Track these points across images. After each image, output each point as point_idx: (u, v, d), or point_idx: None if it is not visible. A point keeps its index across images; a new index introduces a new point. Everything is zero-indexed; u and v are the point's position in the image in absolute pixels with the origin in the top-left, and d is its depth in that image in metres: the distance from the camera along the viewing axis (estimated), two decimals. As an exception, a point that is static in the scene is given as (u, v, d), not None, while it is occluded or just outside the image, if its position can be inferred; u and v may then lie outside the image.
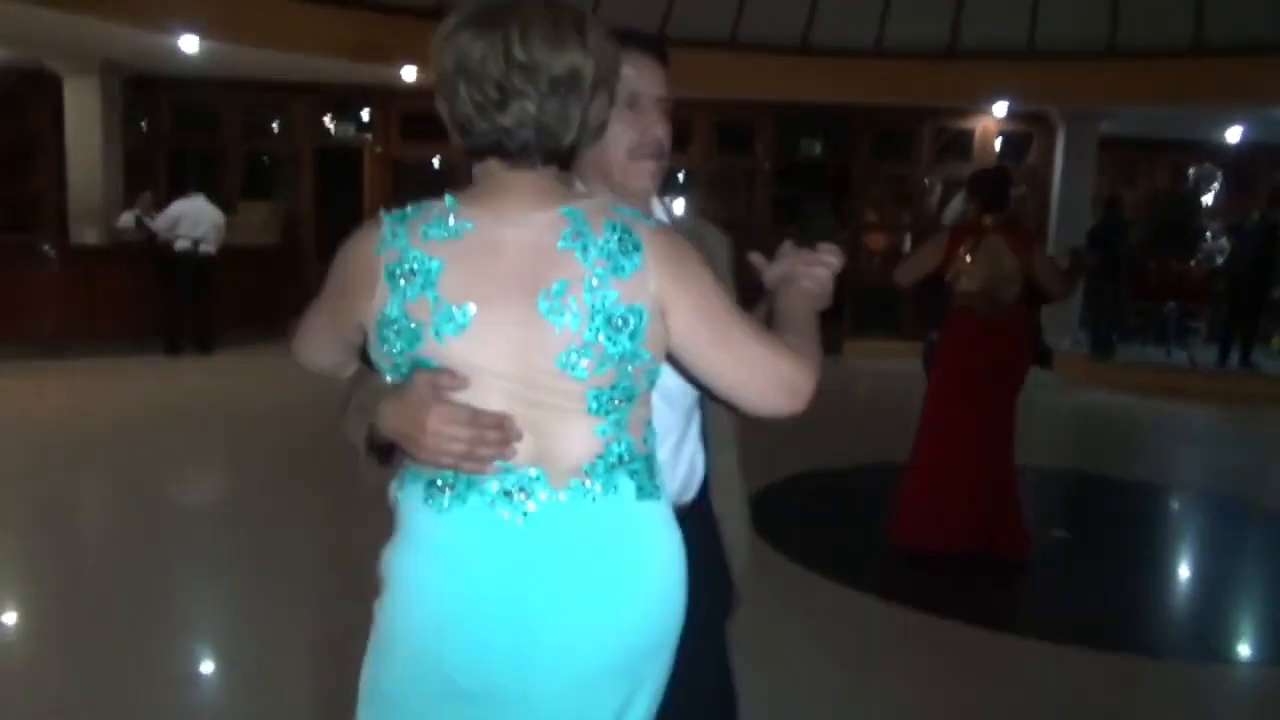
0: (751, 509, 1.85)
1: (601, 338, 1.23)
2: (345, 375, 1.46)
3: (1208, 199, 12.53)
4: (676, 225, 1.68)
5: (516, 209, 1.27)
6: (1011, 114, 11.54)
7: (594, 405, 1.26)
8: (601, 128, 1.33)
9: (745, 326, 1.31)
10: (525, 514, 1.25)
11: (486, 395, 1.25)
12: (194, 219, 9.24)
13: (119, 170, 10.36)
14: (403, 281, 1.24)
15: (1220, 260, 11.39)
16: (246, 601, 3.83)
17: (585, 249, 1.24)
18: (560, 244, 1.24)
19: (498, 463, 1.25)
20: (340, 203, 11.81)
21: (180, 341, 9.42)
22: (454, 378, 1.24)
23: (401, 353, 1.26)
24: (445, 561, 1.27)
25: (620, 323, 1.24)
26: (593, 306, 1.23)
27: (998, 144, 11.88)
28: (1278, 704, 3.40)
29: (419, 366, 1.25)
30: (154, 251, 9.36)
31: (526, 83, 1.23)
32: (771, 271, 1.56)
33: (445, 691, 1.28)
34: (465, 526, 1.26)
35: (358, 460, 1.37)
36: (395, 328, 1.24)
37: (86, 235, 9.92)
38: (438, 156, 12.12)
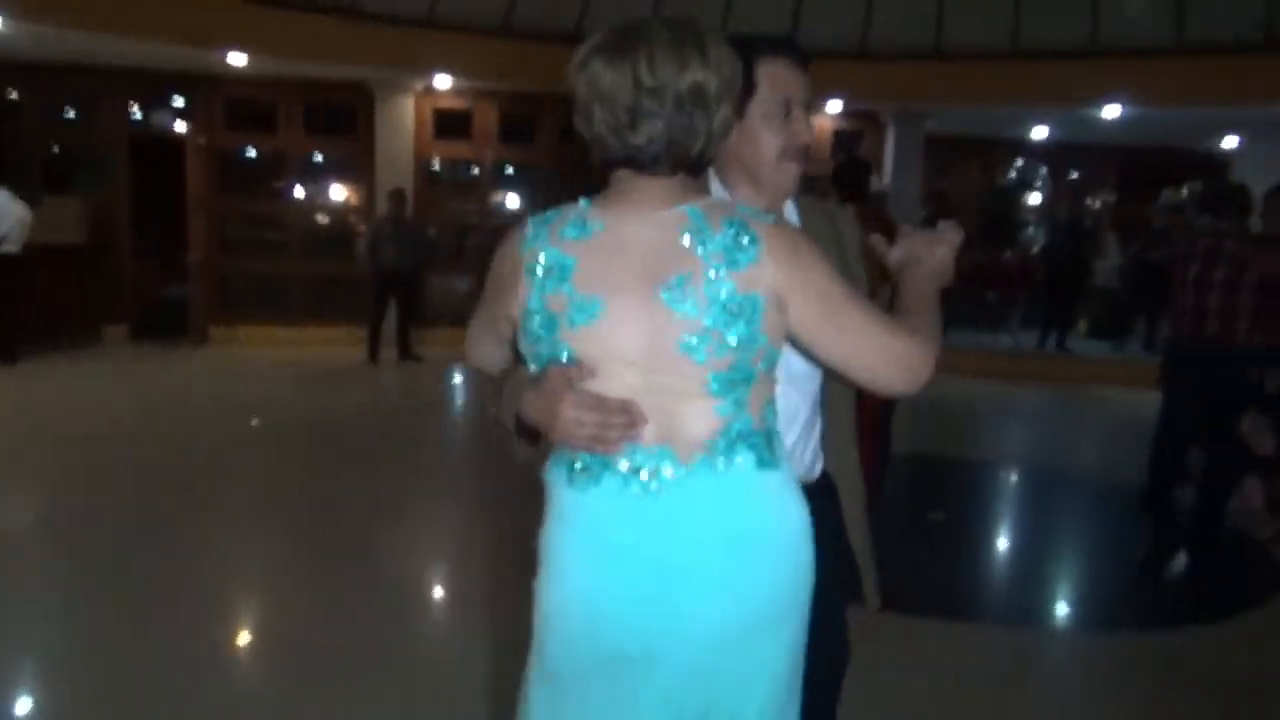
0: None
1: (719, 325, 1.35)
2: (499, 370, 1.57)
3: (1034, 194, 13.35)
4: (809, 212, 1.83)
5: (645, 209, 1.41)
6: (845, 112, 11.93)
7: (714, 387, 1.38)
8: (727, 133, 1.45)
9: (862, 311, 1.41)
10: (655, 489, 1.38)
11: (615, 381, 1.38)
12: (-6, 215, 8.40)
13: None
14: (542, 276, 1.40)
15: (1035, 250, 12.20)
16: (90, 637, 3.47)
17: (704, 244, 1.37)
18: (682, 239, 1.38)
19: (626, 444, 1.37)
20: (159, 197, 11.01)
21: (-20, 351, 8.55)
22: (583, 369, 1.38)
23: (542, 342, 1.40)
24: (590, 537, 1.41)
25: (736, 310, 1.36)
26: (711, 296, 1.35)
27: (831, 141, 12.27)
28: (1103, 664, 3.61)
29: (555, 357, 1.39)
30: (-54, 252, 8.45)
31: (655, 103, 1.36)
32: (893, 254, 1.66)
33: (603, 658, 1.39)
34: (603, 504, 1.40)
35: (509, 441, 1.49)
36: (537, 319, 1.40)
37: None
38: (260, 146, 11.47)
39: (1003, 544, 5.35)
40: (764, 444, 1.43)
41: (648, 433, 1.38)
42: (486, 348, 1.57)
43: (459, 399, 8.96)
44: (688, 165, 1.42)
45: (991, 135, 13.03)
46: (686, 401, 1.39)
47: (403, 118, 11.08)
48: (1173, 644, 3.86)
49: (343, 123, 11.25)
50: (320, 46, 9.69)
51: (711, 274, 1.36)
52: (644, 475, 1.38)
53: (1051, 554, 5.10)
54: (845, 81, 11.12)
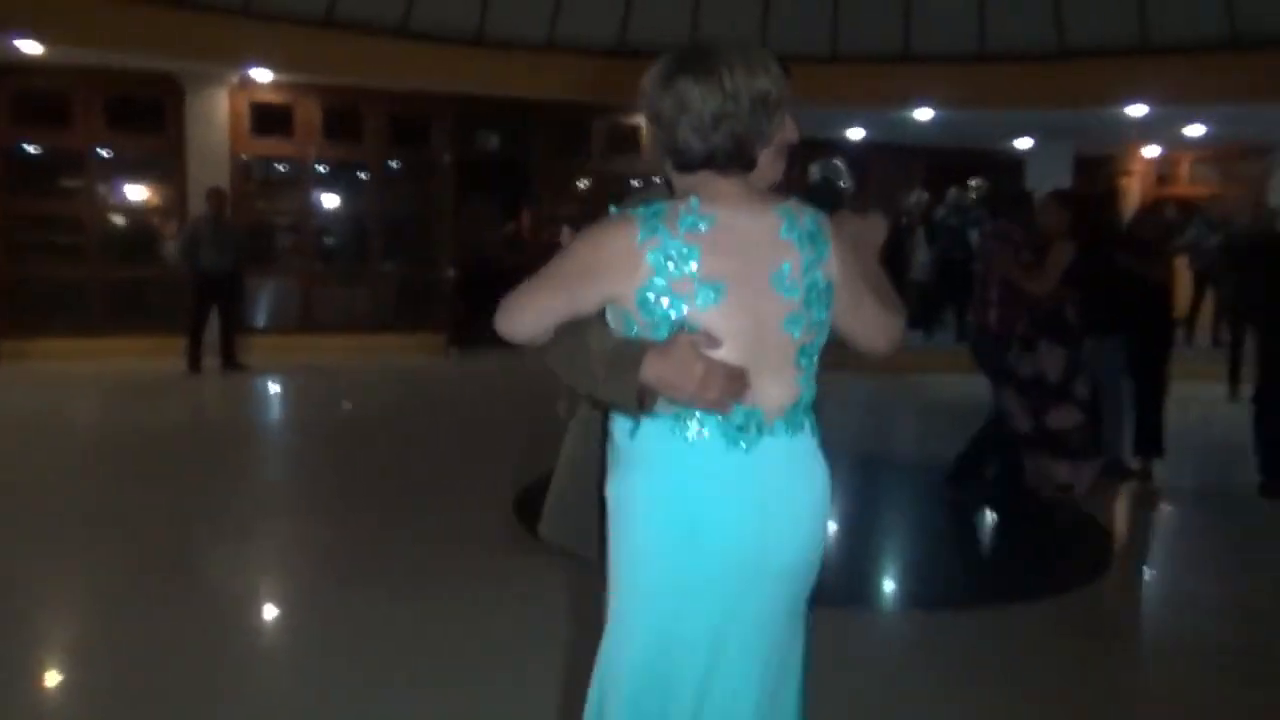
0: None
1: (810, 306, 1.66)
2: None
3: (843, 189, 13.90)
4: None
5: (743, 207, 1.66)
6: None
7: (800, 360, 1.69)
8: (773, 138, 1.71)
9: (870, 291, 1.77)
10: (746, 445, 1.64)
11: (728, 352, 1.61)
12: None
13: None
14: (668, 264, 1.60)
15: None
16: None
17: (799, 238, 1.66)
18: (783, 234, 1.66)
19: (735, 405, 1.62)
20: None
21: None
22: (710, 338, 1.60)
23: (666, 319, 1.61)
24: (698, 476, 1.64)
25: (822, 294, 1.68)
26: (807, 282, 1.66)
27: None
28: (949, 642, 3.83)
29: (680, 328, 1.60)
30: None
31: (734, 106, 1.61)
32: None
33: (712, 577, 1.64)
34: (711, 454, 1.64)
35: (621, 395, 1.64)
36: (663, 299, 1.61)
37: None
38: (55, 142, 10.52)
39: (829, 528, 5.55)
40: (816, 413, 1.75)
41: (746, 395, 1.63)
42: (545, 320, 1.71)
43: (289, 408, 8.52)
44: (749, 165, 1.68)
45: (809, 136, 13.56)
46: (777, 372, 1.66)
47: (216, 112, 10.42)
48: (995, 621, 4.01)
49: (149, 117, 10.46)
50: (123, 34, 8.99)
51: (805, 263, 1.66)
52: (742, 432, 1.64)
53: (872, 536, 5.28)
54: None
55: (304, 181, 11.26)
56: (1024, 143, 12.92)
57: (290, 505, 5.37)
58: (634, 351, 1.63)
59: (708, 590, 1.65)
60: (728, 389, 1.59)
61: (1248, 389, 8.70)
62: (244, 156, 10.80)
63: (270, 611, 4.02)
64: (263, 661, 3.47)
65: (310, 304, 11.19)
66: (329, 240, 11.78)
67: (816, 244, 1.67)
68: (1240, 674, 3.50)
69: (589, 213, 12.37)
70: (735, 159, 1.65)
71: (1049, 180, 10.49)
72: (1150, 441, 6.09)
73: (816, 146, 14.47)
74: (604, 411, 1.81)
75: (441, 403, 8.74)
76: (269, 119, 10.79)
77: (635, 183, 12.71)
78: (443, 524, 4.95)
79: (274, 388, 9.21)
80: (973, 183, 11.44)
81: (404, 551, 4.53)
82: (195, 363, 9.14)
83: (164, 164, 10.65)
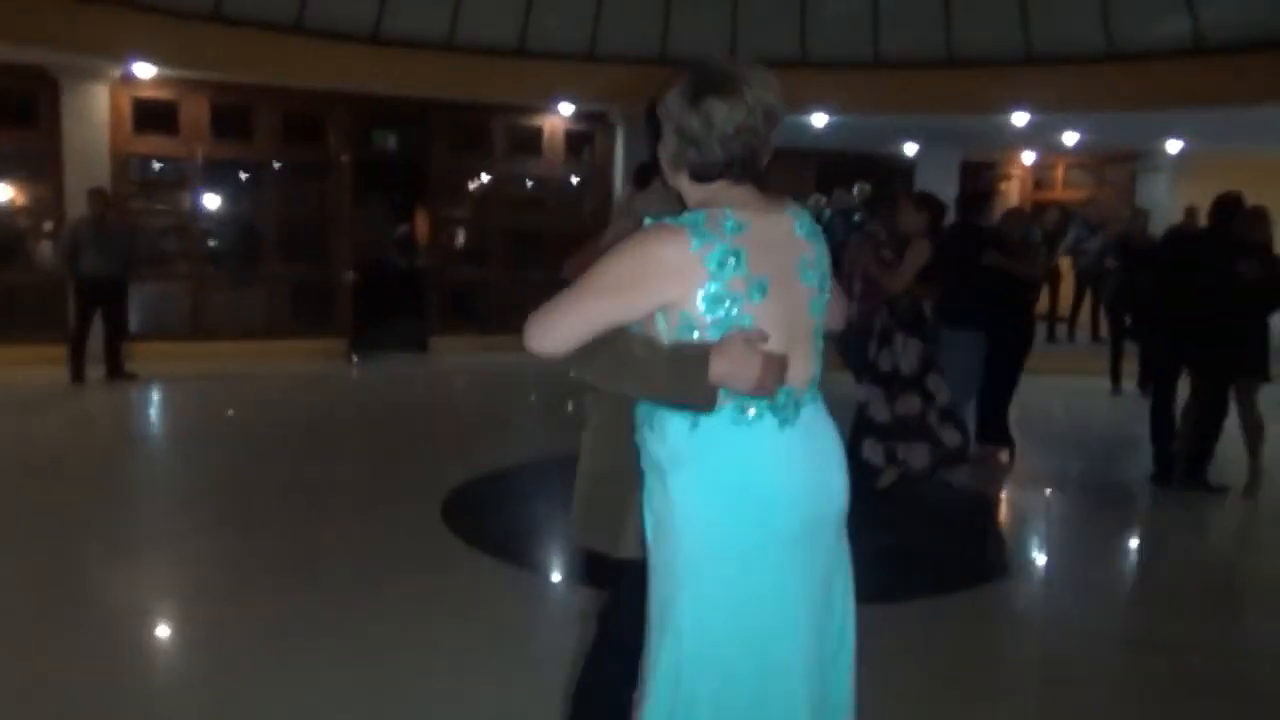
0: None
1: (824, 290, 1.94)
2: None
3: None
4: None
5: (762, 210, 1.87)
6: (576, 114, 12.11)
7: (817, 340, 1.94)
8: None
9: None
10: (793, 418, 1.87)
11: (773, 342, 1.81)
12: None
13: None
14: (724, 267, 1.78)
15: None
16: None
17: (809, 234, 1.93)
18: (797, 231, 1.91)
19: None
20: None
21: None
22: (761, 332, 1.80)
23: (726, 317, 1.79)
24: (763, 454, 1.84)
25: (826, 279, 1.95)
26: (820, 271, 1.93)
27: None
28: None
29: (740, 326, 1.79)
30: None
31: (756, 119, 1.81)
32: None
33: (788, 535, 1.85)
34: (769, 432, 1.85)
35: (695, 394, 1.79)
36: (719, 299, 1.78)
37: None
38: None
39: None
40: (820, 385, 1.99)
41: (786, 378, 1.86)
42: (587, 331, 1.83)
43: (183, 418, 8.14)
44: (759, 173, 1.88)
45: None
46: (804, 352, 1.90)
47: (95, 109, 9.89)
48: (899, 616, 4.16)
49: (20, 113, 9.85)
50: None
51: (817, 254, 1.93)
52: (785, 409, 1.85)
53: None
54: (576, 83, 11.32)
55: (191, 181, 10.77)
56: (912, 147, 13.35)
57: (196, 520, 5.11)
58: (694, 353, 1.79)
59: (793, 548, 1.86)
60: (780, 376, 1.81)
61: (1129, 384, 9.25)
62: (125, 155, 10.27)
63: (177, 631, 3.82)
64: (173, 683, 3.30)
65: (200, 309, 10.73)
66: (219, 242, 11.31)
67: (819, 238, 1.95)
68: (1135, 653, 3.69)
69: (488, 215, 12.25)
70: (749, 168, 1.86)
71: (936, 183, 10.90)
72: (995, 431, 6.41)
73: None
74: (623, 419, 2.02)
75: (346, 409, 8.51)
76: (153, 116, 10.30)
77: (528, 183, 12.65)
78: (367, 532, 4.81)
79: (164, 397, 8.79)
80: (856, 186, 11.78)
81: (333, 562, 4.39)
82: (78, 373, 8.65)
83: (36, 163, 10.04)
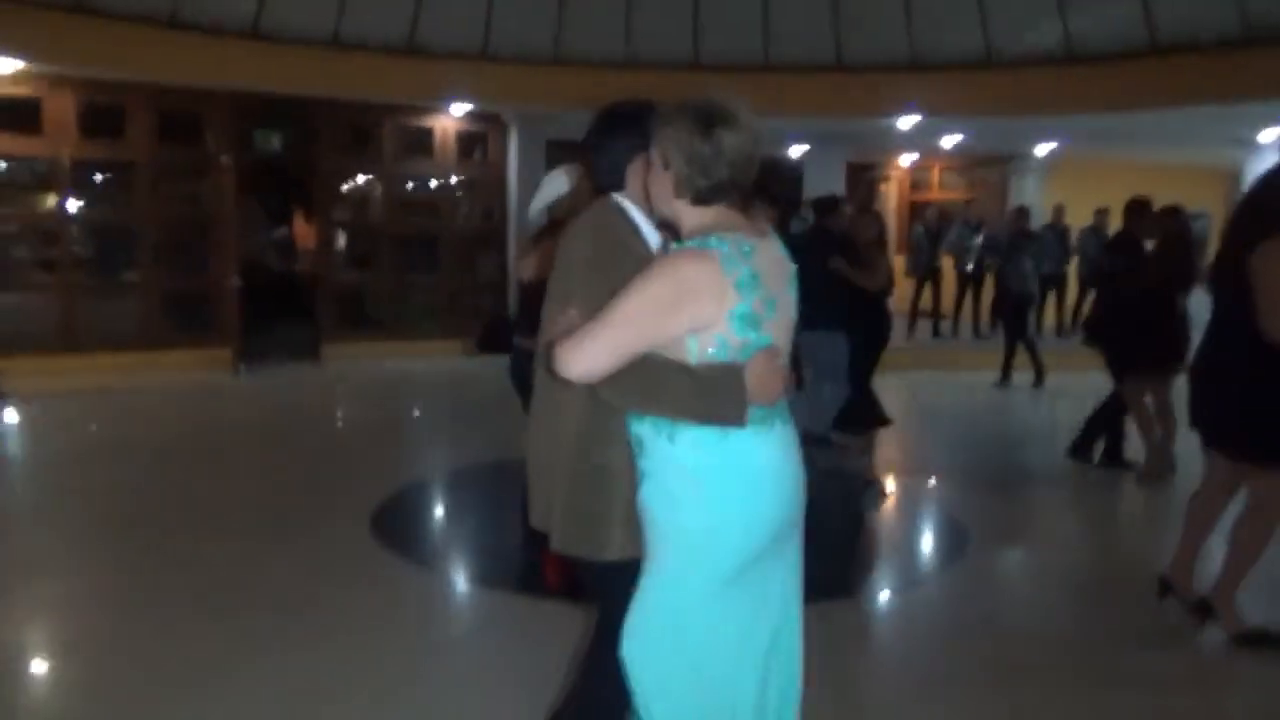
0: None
1: (797, 305, 2.14)
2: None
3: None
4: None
5: (755, 233, 2.04)
6: (469, 114, 11.89)
7: (790, 352, 2.12)
8: None
9: None
10: (784, 423, 2.07)
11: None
12: None
13: None
14: (748, 289, 1.95)
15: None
16: None
17: (787, 255, 2.13)
18: (780, 251, 2.11)
19: None
20: None
21: None
22: (778, 350, 2.02)
23: (753, 335, 1.97)
24: (775, 459, 2.04)
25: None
26: (795, 287, 2.13)
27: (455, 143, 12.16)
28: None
29: (762, 344, 1.98)
30: None
31: (753, 147, 2.01)
32: None
33: (778, 533, 2.05)
34: (777, 440, 2.05)
35: (731, 412, 1.96)
36: (747, 320, 1.96)
37: None
38: None
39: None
40: None
41: None
42: (624, 355, 1.93)
43: (54, 440, 7.58)
44: (744, 197, 2.09)
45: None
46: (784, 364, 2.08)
47: (-55, 105, 9.15)
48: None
49: None
50: None
51: (793, 273, 2.13)
52: (779, 420, 2.06)
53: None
54: (468, 83, 11.10)
55: (57, 184, 10.06)
56: (800, 149, 13.63)
57: (78, 553, 4.77)
58: (727, 374, 1.96)
59: (776, 546, 2.06)
60: (787, 387, 2.05)
61: (1021, 376, 9.68)
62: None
63: (54, 683, 3.53)
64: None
65: (70, 320, 10.05)
66: (89, 249, 10.63)
67: (788, 259, 2.12)
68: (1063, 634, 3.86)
69: (378, 218, 11.90)
70: (740, 192, 2.05)
71: (823, 185, 11.17)
72: (869, 416, 6.68)
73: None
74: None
75: (239, 424, 8.10)
76: (13, 114, 9.59)
77: (420, 185, 12.35)
78: (295, 547, 4.59)
79: (35, 417, 8.20)
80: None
81: (239, 593, 4.16)
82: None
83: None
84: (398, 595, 4.14)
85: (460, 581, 4.50)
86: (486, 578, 4.48)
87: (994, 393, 9.68)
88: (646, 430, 2.02)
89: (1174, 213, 6.21)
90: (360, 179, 12.23)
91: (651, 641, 2.02)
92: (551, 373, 1.98)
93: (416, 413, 8.95)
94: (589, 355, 1.91)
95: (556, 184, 4.22)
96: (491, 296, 12.40)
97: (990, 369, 9.94)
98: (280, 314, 11.17)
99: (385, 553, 4.61)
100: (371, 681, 3.28)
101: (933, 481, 6.48)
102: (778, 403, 2.03)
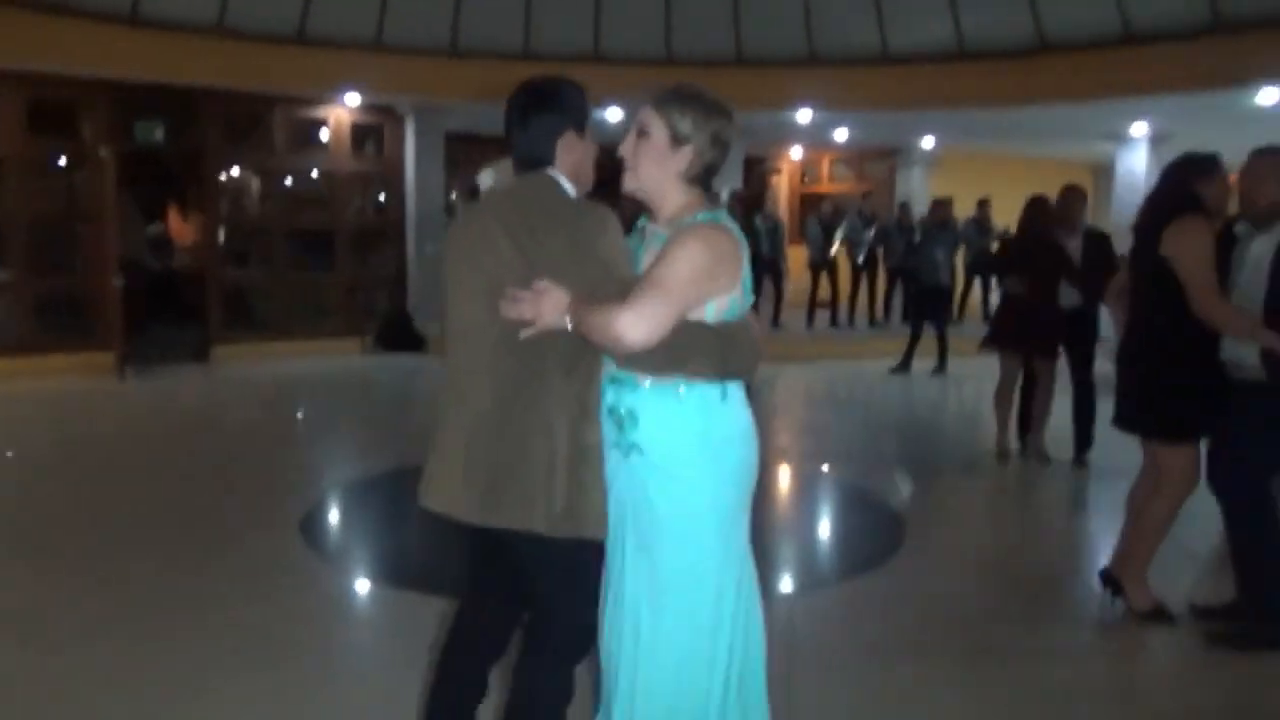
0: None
1: None
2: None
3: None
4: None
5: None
6: (363, 105, 11.55)
7: None
8: None
9: None
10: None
11: None
12: None
13: None
14: (746, 259, 2.14)
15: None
16: None
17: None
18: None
19: None
20: None
21: None
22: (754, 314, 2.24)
23: (741, 304, 2.14)
24: (745, 424, 2.19)
25: None
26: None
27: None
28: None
29: (744, 308, 2.16)
30: None
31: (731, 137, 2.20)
32: None
33: (752, 489, 2.20)
34: (741, 406, 2.19)
35: (745, 365, 2.17)
36: (747, 286, 2.15)
37: None
38: None
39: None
40: None
41: None
42: (672, 319, 2.01)
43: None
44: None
45: (494, 134, 13.50)
46: None
47: None
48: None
49: None
50: None
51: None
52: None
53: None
54: (362, 74, 10.78)
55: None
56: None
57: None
58: (741, 329, 2.15)
59: (746, 503, 2.21)
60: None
61: (924, 363, 9.98)
62: None
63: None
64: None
65: (-69, 326, 9.34)
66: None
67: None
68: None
69: (268, 212, 11.43)
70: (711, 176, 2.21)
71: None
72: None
73: (500, 144, 14.41)
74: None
75: (129, 430, 7.65)
76: None
77: (312, 178, 11.92)
78: (225, 563, 4.35)
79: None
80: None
81: (188, 597, 3.93)
82: None
83: None
84: (341, 609, 3.98)
85: (402, 590, 4.33)
86: (436, 586, 4.33)
87: (898, 380, 9.96)
88: (644, 399, 2.08)
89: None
90: (249, 172, 11.72)
91: (681, 625, 2.09)
92: (593, 341, 2.03)
93: (320, 415, 8.63)
94: (652, 321, 1.97)
95: (484, 181, 4.12)
96: (389, 293, 12.09)
97: (889, 357, 10.23)
98: (165, 315, 10.62)
99: (323, 565, 4.43)
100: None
101: (858, 469, 6.62)
102: None
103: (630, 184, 2.15)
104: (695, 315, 2.06)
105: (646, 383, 2.07)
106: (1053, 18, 10.15)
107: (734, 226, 2.12)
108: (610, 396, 2.12)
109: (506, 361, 2.12)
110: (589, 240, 2.08)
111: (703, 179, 2.15)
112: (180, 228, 12.48)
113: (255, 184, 11.73)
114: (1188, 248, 3.49)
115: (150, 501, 5.47)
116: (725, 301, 2.10)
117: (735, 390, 2.16)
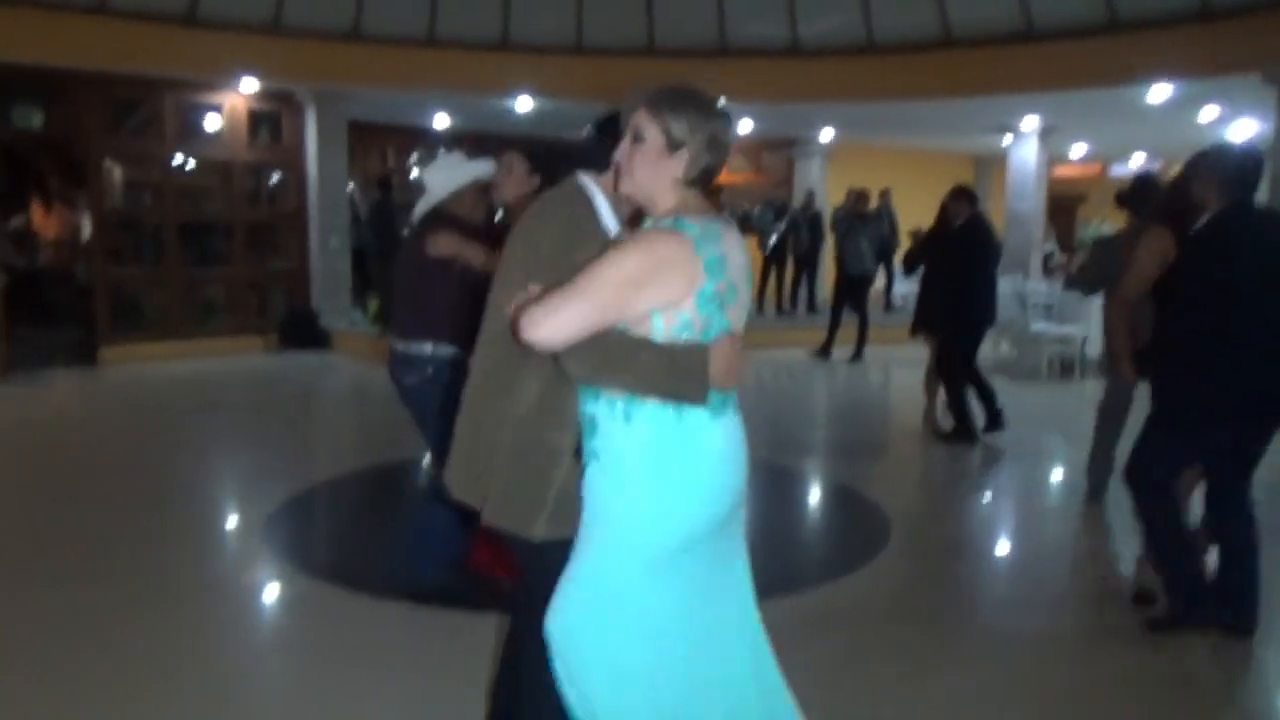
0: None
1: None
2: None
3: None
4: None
5: (717, 219, 2.05)
6: (261, 92, 10.98)
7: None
8: None
9: None
10: (733, 416, 2.09)
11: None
12: None
13: None
14: (714, 272, 1.96)
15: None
16: None
17: (742, 244, 2.09)
18: (741, 241, 2.09)
19: None
20: None
21: None
22: (738, 335, 2.03)
23: (714, 318, 1.98)
24: (731, 443, 2.07)
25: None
26: (749, 278, 2.12)
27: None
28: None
29: (722, 328, 1.99)
30: None
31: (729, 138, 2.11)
32: None
33: (726, 517, 2.08)
34: (729, 426, 2.07)
35: (692, 392, 1.98)
36: (711, 300, 1.97)
37: None
38: None
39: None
40: None
41: None
42: (587, 327, 1.92)
43: None
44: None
45: (409, 123, 13.12)
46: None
47: None
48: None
49: None
50: None
51: (747, 260, 2.08)
52: (729, 403, 2.07)
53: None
54: (258, 58, 10.24)
55: None
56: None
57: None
58: (693, 354, 1.97)
59: (723, 529, 2.08)
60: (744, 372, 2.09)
61: (842, 351, 10.18)
62: None
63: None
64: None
65: None
66: None
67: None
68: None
69: (158, 204, 10.72)
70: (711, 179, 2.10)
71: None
72: None
73: (402, 133, 13.97)
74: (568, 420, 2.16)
75: (13, 440, 7.04)
76: None
77: (204, 168, 11.26)
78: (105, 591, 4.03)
79: None
80: None
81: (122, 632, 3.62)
82: None
83: None
84: (315, 619, 3.75)
85: (380, 599, 4.11)
86: (411, 594, 4.12)
87: (820, 366, 10.13)
88: (601, 409, 2.03)
89: (970, 196, 6.80)
90: (134, 162, 10.99)
91: (578, 621, 2.03)
92: (515, 339, 1.96)
93: (213, 420, 8.08)
94: (557, 320, 1.90)
95: (474, 168, 3.94)
96: (291, 288, 11.56)
97: (799, 345, 10.40)
98: (46, 315, 9.88)
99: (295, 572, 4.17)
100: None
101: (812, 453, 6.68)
102: (732, 390, 2.06)
103: (626, 187, 2.11)
104: (641, 329, 1.98)
105: (602, 393, 2.03)
106: (958, 13, 10.46)
107: (700, 234, 1.97)
108: (583, 402, 2.09)
109: (527, 365, 2.14)
110: (567, 246, 2.11)
111: (701, 182, 2.06)
112: (45, 222, 11.63)
113: (141, 174, 11.00)
114: (1139, 252, 3.93)
115: (22, 517, 5.01)
116: (675, 318, 1.97)
117: (699, 411, 2.01)
